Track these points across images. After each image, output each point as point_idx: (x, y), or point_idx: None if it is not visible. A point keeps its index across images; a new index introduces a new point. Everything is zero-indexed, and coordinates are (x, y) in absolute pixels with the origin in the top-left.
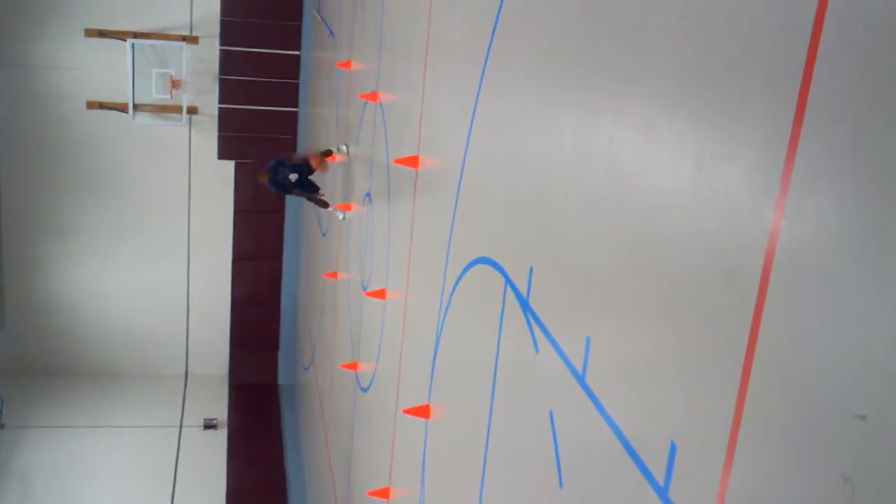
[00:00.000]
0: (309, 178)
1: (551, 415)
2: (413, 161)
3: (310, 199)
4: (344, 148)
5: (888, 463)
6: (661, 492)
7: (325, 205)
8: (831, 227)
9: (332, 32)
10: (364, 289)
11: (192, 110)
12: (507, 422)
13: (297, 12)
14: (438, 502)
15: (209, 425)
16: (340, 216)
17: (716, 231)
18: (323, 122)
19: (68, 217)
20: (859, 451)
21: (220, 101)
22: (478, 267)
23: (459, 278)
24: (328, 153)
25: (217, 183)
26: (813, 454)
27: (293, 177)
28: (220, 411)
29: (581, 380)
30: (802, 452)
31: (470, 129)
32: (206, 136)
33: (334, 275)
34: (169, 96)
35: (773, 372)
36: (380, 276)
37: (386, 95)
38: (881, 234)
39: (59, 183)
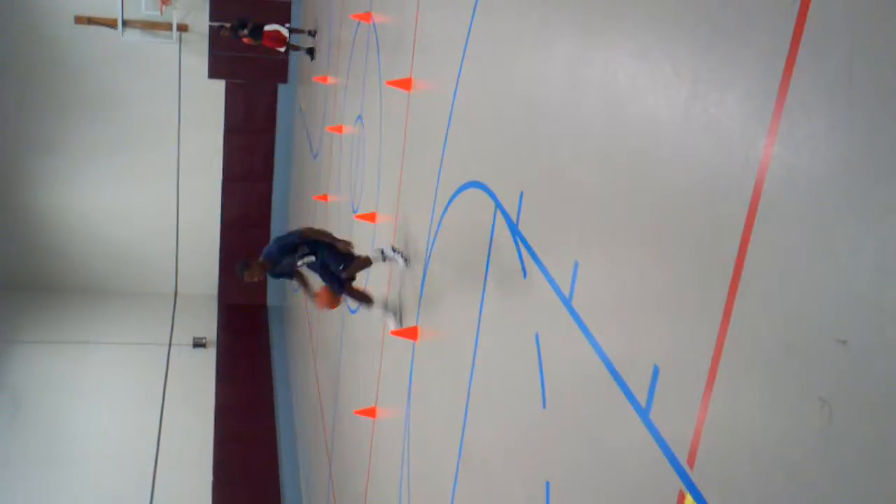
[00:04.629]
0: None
1: (537, 338)
2: (406, 83)
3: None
4: (400, 260)
5: (865, 387)
6: (643, 413)
7: (366, 299)
8: (822, 156)
9: None
10: (354, 211)
11: (183, 27)
12: (494, 344)
13: None
14: (423, 421)
15: (198, 344)
16: (392, 324)
17: (707, 158)
18: (315, 41)
19: (57, 134)
20: (838, 375)
21: (211, 19)
22: (469, 191)
23: (450, 202)
24: (366, 261)
25: (207, 102)
26: (793, 378)
27: (308, 260)
28: (210, 331)
29: (567, 304)
30: (782, 377)
31: (464, 52)
32: (197, 55)
33: (324, 197)
34: (159, 13)
35: (757, 298)
36: (370, 198)
37: (379, 16)
38: (872, 163)
39: (46, 99)
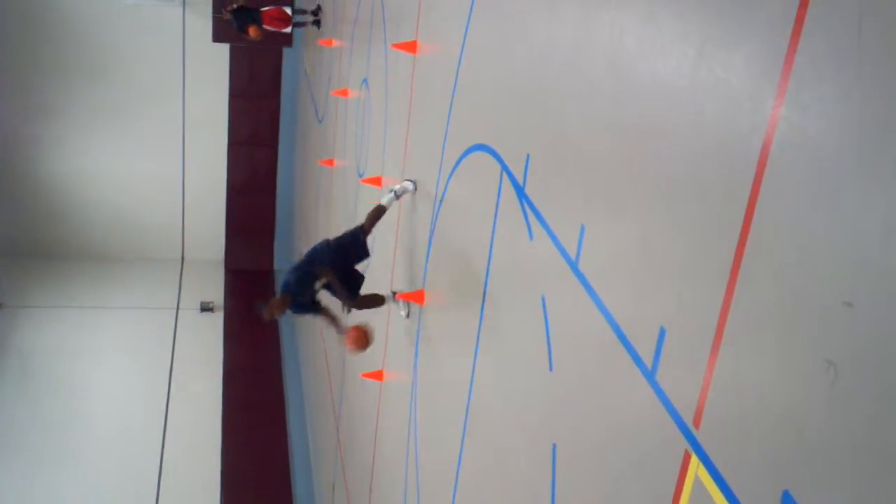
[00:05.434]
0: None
1: (543, 300)
2: (411, 46)
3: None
4: (410, 185)
5: (870, 348)
6: (649, 375)
7: (378, 301)
8: (831, 116)
9: None
10: (360, 176)
11: None
12: (500, 307)
13: None
14: (430, 384)
15: (206, 308)
16: (403, 313)
17: (715, 119)
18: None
19: (60, 99)
20: (844, 336)
21: None
22: (475, 154)
23: (456, 166)
24: (380, 211)
25: (212, 65)
26: (799, 340)
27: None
28: (217, 295)
29: (574, 266)
30: (788, 338)
31: (469, 14)
32: (201, 18)
33: (330, 161)
34: None
35: (764, 259)
36: (376, 163)
37: None
38: (881, 124)
39: (49, 64)
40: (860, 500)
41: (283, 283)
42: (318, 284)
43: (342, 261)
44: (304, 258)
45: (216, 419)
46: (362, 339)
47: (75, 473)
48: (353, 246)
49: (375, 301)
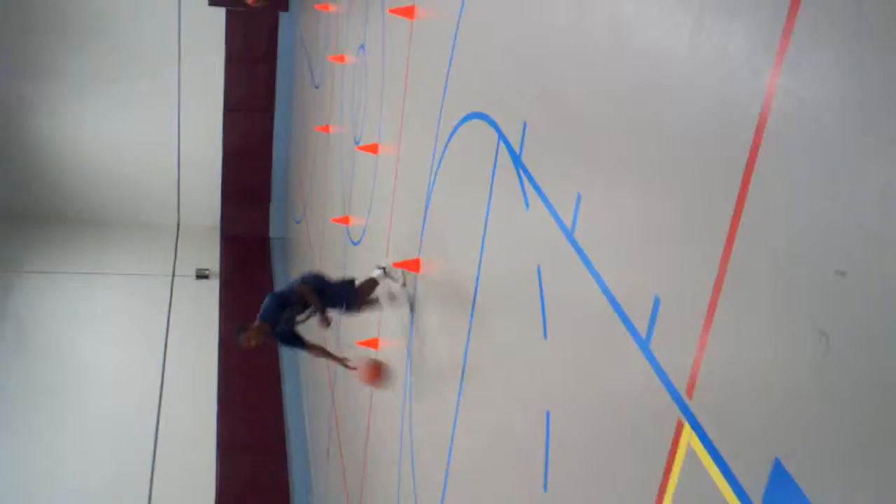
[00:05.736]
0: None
1: (539, 270)
2: (409, 11)
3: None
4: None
5: (862, 318)
6: (643, 344)
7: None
8: (829, 85)
9: None
10: (356, 143)
11: None
12: (495, 276)
13: None
14: (425, 352)
15: (201, 275)
16: (399, 282)
17: (712, 87)
18: None
19: (56, 63)
20: (837, 306)
21: None
22: (471, 122)
23: (452, 133)
24: (373, 284)
25: (208, 31)
26: (792, 310)
27: (308, 313)
28: (213, 262)
29: (570, 236)
30: (782, 308)
31: None
32: None
33: (326, 128)
34: None
35: (759, 229)
36: (372, 130)
37: None
38: (879, 93)
39: (46, 28)
40: (851, 469)
41: (262, 309)
42: (301, 315)
43: (325, 286)
44: (286, 285)
45: (212, 385)
46: (378, 373)
47: (70, 439)
48: (341, 292)
49: (371, 288)
